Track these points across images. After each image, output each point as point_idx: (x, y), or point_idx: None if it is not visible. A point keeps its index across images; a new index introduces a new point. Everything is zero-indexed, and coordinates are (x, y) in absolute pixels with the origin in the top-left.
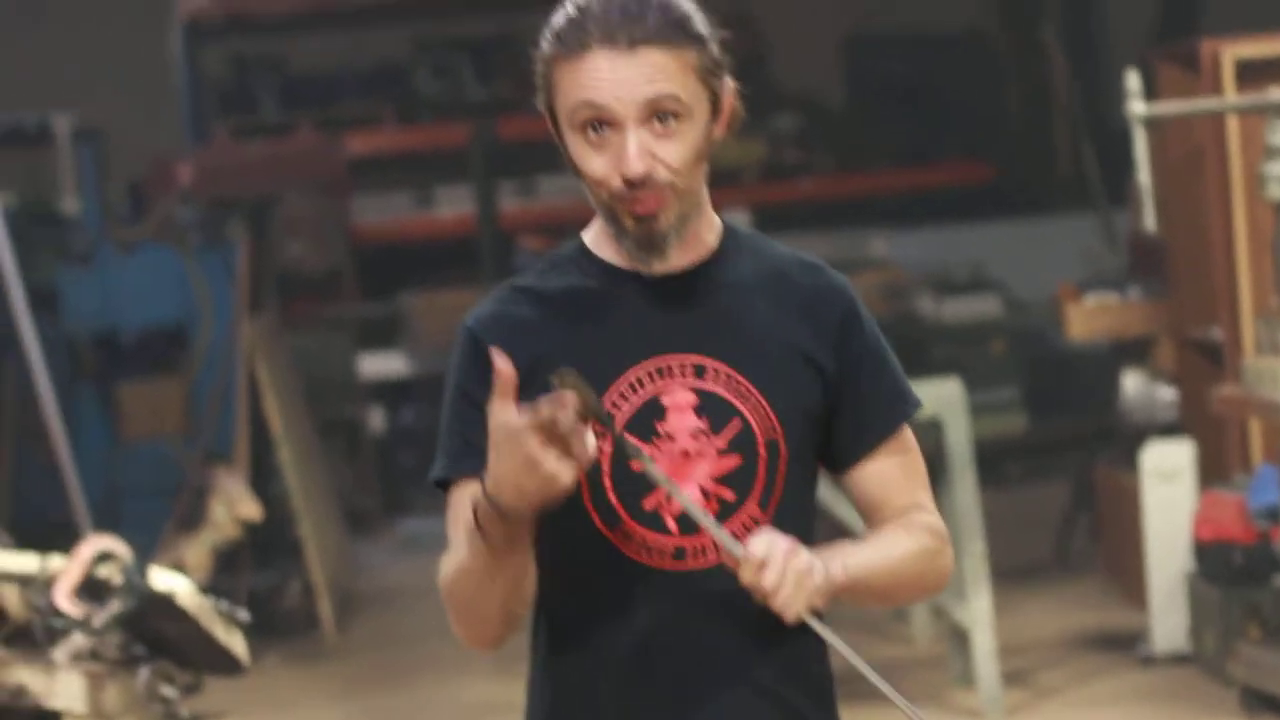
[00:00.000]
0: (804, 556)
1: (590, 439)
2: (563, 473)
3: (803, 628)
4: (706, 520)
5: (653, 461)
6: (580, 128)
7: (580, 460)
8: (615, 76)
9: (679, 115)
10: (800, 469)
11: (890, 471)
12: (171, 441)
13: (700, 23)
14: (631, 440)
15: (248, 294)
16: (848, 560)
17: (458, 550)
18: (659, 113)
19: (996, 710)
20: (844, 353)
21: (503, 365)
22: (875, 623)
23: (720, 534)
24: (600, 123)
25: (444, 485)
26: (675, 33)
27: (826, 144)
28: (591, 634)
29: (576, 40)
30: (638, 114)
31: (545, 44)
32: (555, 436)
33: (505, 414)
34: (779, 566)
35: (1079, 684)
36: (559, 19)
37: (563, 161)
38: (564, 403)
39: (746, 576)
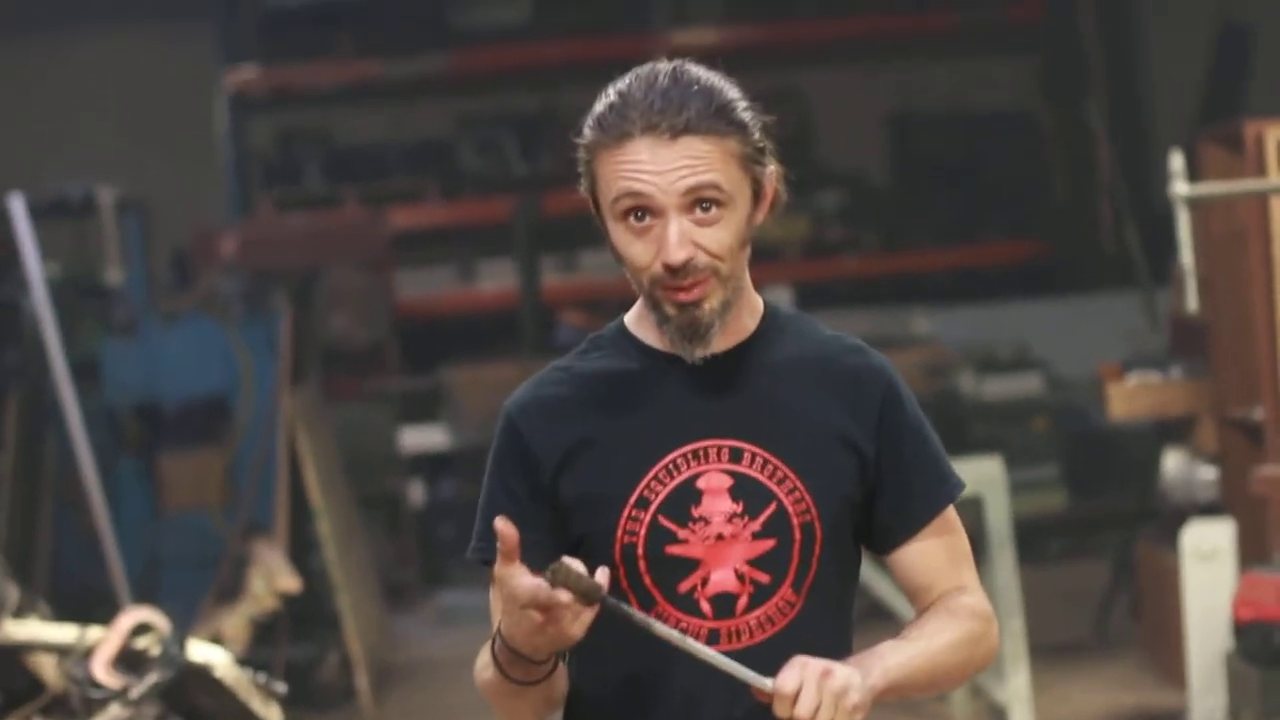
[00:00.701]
0: (839, 677)
1: (603, 574)
2: (568, 635)
3: None
4: (730, 664)
5: (657, 622)
6: (622, 215)
7: (582, 628)
8: (657, 166)
9: (720, 203)
10: (836, 551)
11: (934, 554)
12: (212, 513)
13: (743, 110)
14: (630, 610)
15: (290, 366)
16: (887, 663)
17: (489, 650)
18: (700, 201)
19: None
20: (884, 435)
21: (504, 528)
22: (913, 701)
23: (747, 673)
24: (642, 211)
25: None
26: (717, 121)
27: (870, 221)
28: (624, 713)
29: (618, 129)
30: (679, 203)
31: (588, 131)
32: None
33: (509, 581)
34: (813, 695)
35: None
36: (601, 106)
37: (605, 238)
38: (558, 596)
39: (782, 712)
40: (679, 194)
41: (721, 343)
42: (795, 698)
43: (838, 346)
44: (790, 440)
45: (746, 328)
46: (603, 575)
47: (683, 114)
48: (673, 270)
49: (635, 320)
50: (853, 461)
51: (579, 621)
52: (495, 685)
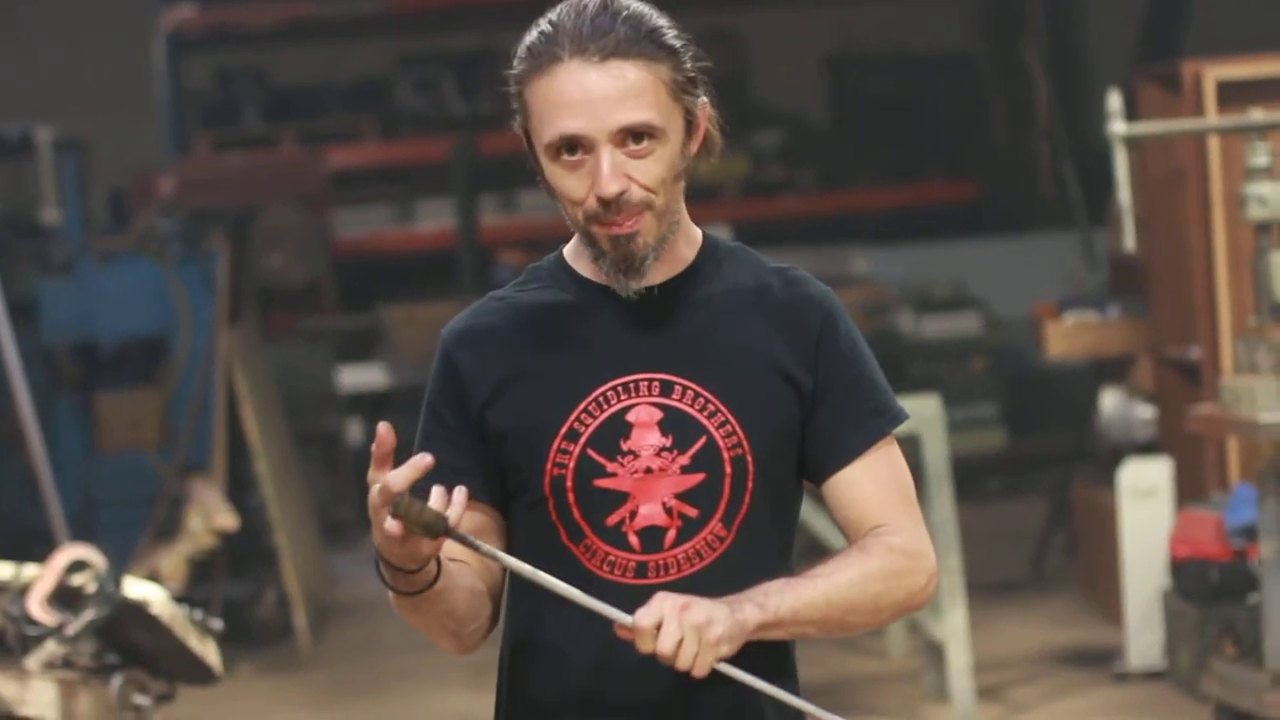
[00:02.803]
0: (699, 610)
1: (460, 496)
2: (420, 554)
3: (765, 649)
4: (591, 601)
5: (505, 555)
6: (554, 151)
7: (432, 548)
8: (587, 98)
9: (653, 135)
10: (771, 486)
11: (866, 486)
12: (149, 452)
13: (672, 36)
14: (476, 541)
15: (227, 305)
16: (768, 599)
17: None
18: (633, 134)
19: None
20: (821, 365)
21: (383, 432)
22: (850, 638)
23: (606, 608)
24: (574, 145)
25: None
26: (647, 46)
27: (809, 161)
28: (554, 647)
29: (548, 54)
30: (610, 137)
31: (518, 63)
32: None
33: (373, 486)
34: (675, 630)
35: (1053, 700)
36: (531, 36)
37: (538, 173)
38: (392, 529)
39: (644, 647)
40: (610, 131)
41: (658, 275)
42: (656, 633)
43: (778, 277)
44: (723, 373)
45: (684, 259)
46: (458, 502)
47: (611, 36)
48: (606, 203)
49: (573, 252)
50: (790, 393)
51: (428, 543)
52: (394, 601)
